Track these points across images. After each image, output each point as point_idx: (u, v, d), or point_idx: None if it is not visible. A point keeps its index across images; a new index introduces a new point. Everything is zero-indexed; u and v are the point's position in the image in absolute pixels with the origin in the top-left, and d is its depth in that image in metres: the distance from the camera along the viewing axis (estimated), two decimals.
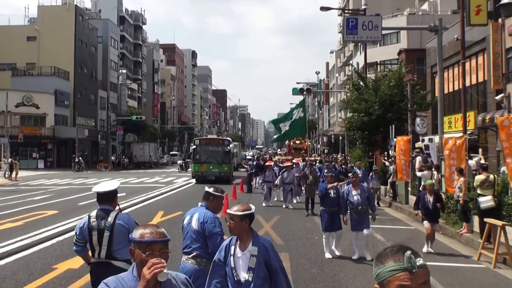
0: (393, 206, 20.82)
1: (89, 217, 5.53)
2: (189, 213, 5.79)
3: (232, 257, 4.35)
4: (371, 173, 21.95)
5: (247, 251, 4.35)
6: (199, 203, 5.77)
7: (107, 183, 5.66)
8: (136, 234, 2.68)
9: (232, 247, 4.41)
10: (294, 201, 21.81)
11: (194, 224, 5.57)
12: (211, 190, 5.66)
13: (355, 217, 11.22)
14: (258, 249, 4.34)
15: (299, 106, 19.95)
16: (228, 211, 4.43)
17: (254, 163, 30.18)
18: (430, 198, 12.15)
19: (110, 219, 5.44)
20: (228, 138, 39.53)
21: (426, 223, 12.11)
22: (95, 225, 5.46)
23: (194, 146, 34.82)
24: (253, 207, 4.58)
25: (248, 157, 58.24)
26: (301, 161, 28.35)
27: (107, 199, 5.53)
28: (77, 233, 5.60)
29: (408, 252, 1.85)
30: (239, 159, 50.77)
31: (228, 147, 34.67)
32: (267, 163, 24.93)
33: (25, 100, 54.53)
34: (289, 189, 20.88)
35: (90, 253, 5.57)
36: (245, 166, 35.49)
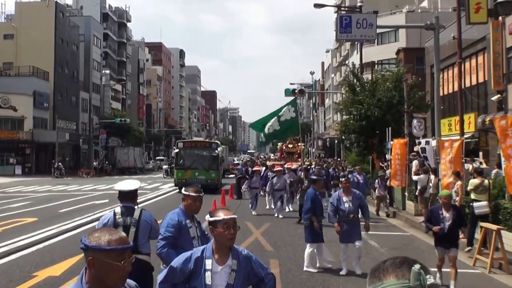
0: (389, 211, 21.13)
1: (115, 214, 6.19)
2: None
3: (209, 273, 3.90)
4: (377, 180, 21.70)
5: (226, 266, 3.92)
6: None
7: (129, 182, 6.35)
8: (101, 240, 2.39)
9: (208, 261, 3.94)
10: (286, 209, 21.46)
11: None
12: (183, 189, 5.88)
13: (345, 227, 10.50)
14: (238, 262, 3.95)
15: (290, 105, 19.19)
16: (212, 218, 3.95)
17: (242, 168, 30.39)
18: (446, 215, 9.48)
19: (136, 216, 6.18)
20: (217, 141, 37.76)
21: (439, 250, 9.63)
22: (121, 221, 6.13)
23: (177, 150, 32.62)
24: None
25: (236, 161, 58.39)
26: (293, 165, 28.65)
27: (130, 197, 6.25)
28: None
29: (417, 267, 1.41)
30: (226, 164, 49.60)
31: (216, 151, 32.81)
32: (254, 168, 24.98)
33: (1, 102, 54.52)
34: (279, 196, 20.65)
35: None
36: (234, 171, 35.74)
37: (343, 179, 11.28)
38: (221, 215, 3.93)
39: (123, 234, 2.50)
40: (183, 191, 5.83)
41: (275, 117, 19.25)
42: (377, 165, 28.09)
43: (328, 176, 25.22)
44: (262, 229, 16.48)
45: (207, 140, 45.79)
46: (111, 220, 6.15)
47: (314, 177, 14.38)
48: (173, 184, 33.81)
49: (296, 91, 35.27)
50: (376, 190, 21.38)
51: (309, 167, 27.21)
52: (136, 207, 6.30)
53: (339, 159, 44.80)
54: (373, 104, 28.89)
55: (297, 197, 21.30)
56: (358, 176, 21.14)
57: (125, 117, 68.64)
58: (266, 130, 19.18)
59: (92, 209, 21.40)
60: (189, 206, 5.68)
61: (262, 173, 25.05)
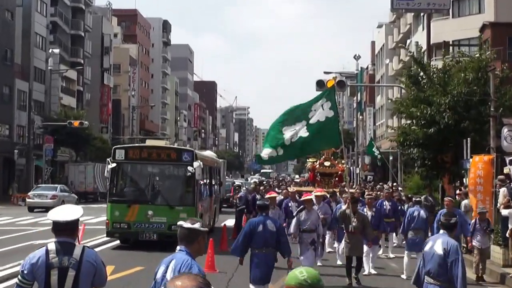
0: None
1: (47, 252, 6.46)
2: (164, 263, 6.53)
3: None
4: (475, 220, 19.61)
5: None
6: (178, 247, 6.52)
7: (67, 209, 6.70)
8: None
9: None
10: (319, 263, 20.92)
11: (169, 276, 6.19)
12: (192, 224, 6.41)
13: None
14: None
15: (324, 98, 17.19)
16: None
17: (248, 195, 30.12)
18: None
19: (76, 255, 6.44)
20: (190, 149, 33.09)
21: None
22: (56, 262, 6.38)
23: (114, 165, 26.43)
24: None
25: (237, 182, 57.51)
26: (328, 193, 28.60)
27: (68, 229, 6.55)
28: (25, 272, 6.43)
29: None
30: (223, 190, 46.70)
31: (191, 168, 25.73)
32: (268, 195, 23.18)
33: None
34: (311, 241, 18.97)
35: None
36: (235, 200, 34.13)
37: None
38: None
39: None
40: (193, 225, 6.51)
41: (303, 121, 17.56)
42: (448, 192, 28.19)
43: (395, 210, 25.36)
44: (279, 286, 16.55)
45: (175, 145, 37.89)
46: (42, 260, 6.40)
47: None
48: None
49: (335, 84, 35.16)
50: (474, 240, 19.35)
51: (360, 197, 25.66)
52: (76, 243, 6.60)
53: (394, 185, 44.85)
54: (444, 104, 28.97)
55: (338, 245, 20.72)
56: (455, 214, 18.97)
57: (82, 119, 68.80)
58: (285, 137, 17.36)
59: (31, 251, 21.56)
60: (202, 247, 6.57)
61: (281, 203, 24.95)
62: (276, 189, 37.54)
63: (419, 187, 37.21)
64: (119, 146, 30.39)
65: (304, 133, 17.56)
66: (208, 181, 32.77)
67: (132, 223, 25.73)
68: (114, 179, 27.00)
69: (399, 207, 26.12)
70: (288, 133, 17.57)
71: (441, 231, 10.95)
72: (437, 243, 10.64)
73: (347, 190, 22.53)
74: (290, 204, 24.60)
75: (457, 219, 11.72)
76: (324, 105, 17.76)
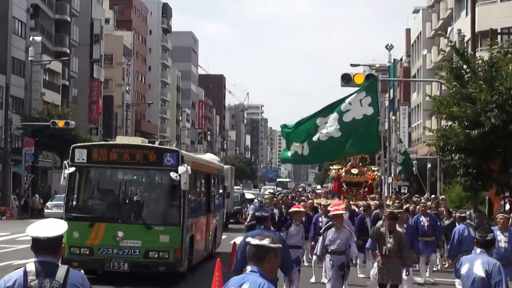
0: None
1: (26, 273, 6.48)
2: (233, 285, 6.63)
3: None
4: None
5: None
6: (248, 268, 6.61)
7: (49, 224, 6.65)
8: None
9: None
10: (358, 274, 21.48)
11: None
12: (260, 241, 6.53)
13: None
14: None
15: (363, 91, 16.52)
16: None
17: (252, 211, 30.37)
18: None
19: (59, 277, 6.43)
20: (174, 148, 27.82)
21: None
22: (36, 285, 6.40)
23: (72, 170, 23.49)
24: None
25: (248, 195, 57.27)
26: (357, 207, 28.99)
27: (50, 247, 6.54)
28: None
29: None
30: (230, 203, 46.14)
31: (175, 174, 22.78)
32: (292, 209, 23.07)
33: None
34: (339, 265, 18.80)
35: None
36: (243, 219, 33.49)
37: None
38: None
39: None
40: (263, 242, 6.61)
41: (333, 115, 16.61)
42: (496, 206, 28.07)
43: (434, 227, 25.39)
44: None
45: (155, 144, 29.21)
46: (19, 283, 6.44)
47: None
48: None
49: (368, 77, 34.61)
50: None
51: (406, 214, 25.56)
52: (60, 263, 6.58)
53: (435, 197, 44.50)
54: (491, 102, 28.86)
55: (372, 271, 20.48)
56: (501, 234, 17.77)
57: (68, 118, 68.87)
58: (314, 134, 16.71)
59: (8, 273, 21.40)
60: (276, 266, 6.76)
61: (310, 219, 25.23)
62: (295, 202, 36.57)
63: (462, 199, 37.06)
64: (79, 144, 27.06)
65: (336, 132, 16.84)
66: (205, 192, 29.79)
67: (96, 248, 22.55)
68: (73, 189, 23.93)
69: (438, 223, 26.06)
70: (322, 126, 16.93)
71: (478, 250, 10.89)
72: (476, 265, 10.60)
73: (384, 203, 22.49)
74: (321, 220, 24.52)
75: (494, 235, 11.74)
76: (363, 100, 17.03)
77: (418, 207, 27.28)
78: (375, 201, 31.58)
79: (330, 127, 16.79)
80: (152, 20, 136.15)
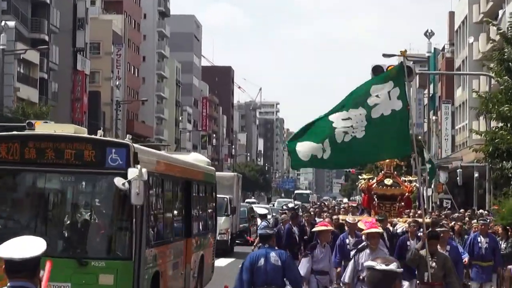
0: None
1: None
2: None
3: None
4: None
5: None
6: None
7: (25, 243, 6.82)
8: None
9: None
10: None
11: None
12: (387, 265, 6.69)
13: None
14: None
15: (390, 80, 16.54)
16: None
17: (265, 231, 29.52)
18: None
19: None
20: (121, 141, 24.23)
21: None
22: None
23: None
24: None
25: (260, 210, 56.21)
26: (391, 224, 29.08)
27: (26, 270, 6.69)
28: None
29: None
30: (236, 221, 46.39)
31: (122, 181, 18.41)
32: (317, 227, 23.48)
33: None
34: None
35: None
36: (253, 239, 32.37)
37: None
38: None
39: None
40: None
41: (357, 110, 16.34)
42: None
43: (494, 249, 25.44)
44: None
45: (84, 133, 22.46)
46: None
47: None
48: None
49: (403, 69, 34.73)
50: None
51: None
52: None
53: (483, 213, 45.15)
54: None
55: None
56: None
57: (47, 118, 69.34)
58: (336, 127, 16.52)
59: None
60: None
61: (335, 239, 24.96)
62: (317, 219, 36.97)
63: None
64: None
65: (360, 132, 16.58)
66: (181, 207, 26.00)
67: None
68: None
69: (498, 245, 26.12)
70: (340, 123, 16.47)
71: None
72: None
73: (423, 221, 20.68)
74: (348, 241, 23.89)
75: None
76: (392, 92, 16.69)
77: (474, 223, 27.47)
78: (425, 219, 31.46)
79: (356, 125, 16.44)
80: (147, 2, 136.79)
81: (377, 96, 16.48)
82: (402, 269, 6.74)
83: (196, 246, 26.98)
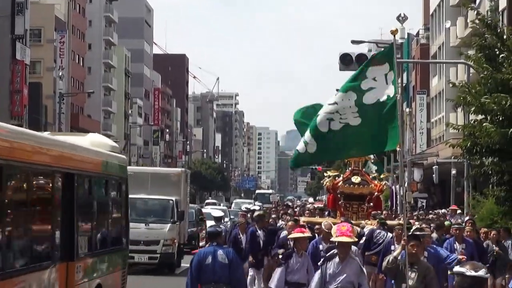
0: None
1: None
2: None
3: None
4: None
5: None
6: None
7: None
8: None
9: None
10: None
11: None
12: (476, 271, 7.07)
13: None
14: None
15: (386, 62, 15.68)
16: None
17: (214, 228, 28.83)
18: None
19: None
20: None
21: None
22: None
23: None
24: None
25: (215, 213, 55.10)
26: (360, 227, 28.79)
27: None
28: None
29: None
30: (184, 225, 41.82)
31: None
32: (293, 234, 22.37)
33: None
34: None
35: None
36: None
37: None
38: None
39: None
40: None
41: (346, 93, 15.41)
42: None
43: (482, 254, 25.21)
44: None
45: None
46: None
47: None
48: None
49: (364, 57, 34.56)
50: None
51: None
52: None
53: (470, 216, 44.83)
54: None
55: None
56: None
57: None
58: (318, 122, 15.80)
59: None
60: None
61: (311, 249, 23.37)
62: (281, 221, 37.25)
63: (494, 214, 36.85)
64: None
65: (353, 119, 15.75)
66: (57, 215, 19.34)
67: None
68: None
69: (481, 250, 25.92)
70: (325, 108, 15.94)
71: None
72: None
73: (404, 224, 19.50)
74: (321, 247, 22.81)
75: None
76: (388, 76, 15.89)
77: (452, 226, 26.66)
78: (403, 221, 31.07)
79: (343, 111, 15.64)
80: None
81: (374, 79, 15.61)
82: (489, 275, 7.79)
83: (85, 272, 20.94)
